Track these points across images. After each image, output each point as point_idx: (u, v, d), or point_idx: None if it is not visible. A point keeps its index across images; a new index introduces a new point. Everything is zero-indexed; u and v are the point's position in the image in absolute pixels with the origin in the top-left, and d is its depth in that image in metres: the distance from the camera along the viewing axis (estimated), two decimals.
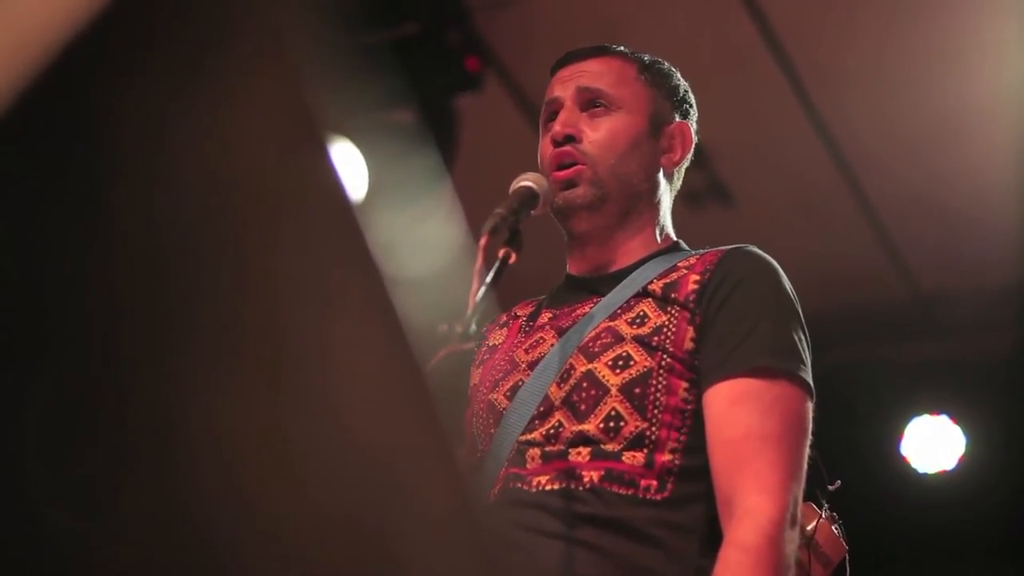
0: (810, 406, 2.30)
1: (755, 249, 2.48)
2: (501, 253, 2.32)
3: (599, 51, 2.63)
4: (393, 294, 0.72)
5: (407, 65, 5.39)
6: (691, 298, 2.37)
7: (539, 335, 2.50)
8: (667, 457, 2.29)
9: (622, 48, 2.65)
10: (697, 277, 2.40)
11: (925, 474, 6.46)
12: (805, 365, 2.33)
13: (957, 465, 6.43)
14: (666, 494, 2.28)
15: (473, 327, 2.11)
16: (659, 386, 2.31)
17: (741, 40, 5.63)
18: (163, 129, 0.73)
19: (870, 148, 5.99)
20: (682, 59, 5.66)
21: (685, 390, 2.32)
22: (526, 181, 2.46)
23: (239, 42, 0.76)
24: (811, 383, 2.32)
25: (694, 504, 2.28)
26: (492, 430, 2.42)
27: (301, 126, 0.78)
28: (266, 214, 0.75)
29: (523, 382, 2.41)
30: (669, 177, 2.61)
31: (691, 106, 2.67)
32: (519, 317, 2.63)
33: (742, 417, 2.25)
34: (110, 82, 0.72)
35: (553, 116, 2.59)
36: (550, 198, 2.48)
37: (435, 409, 0.75)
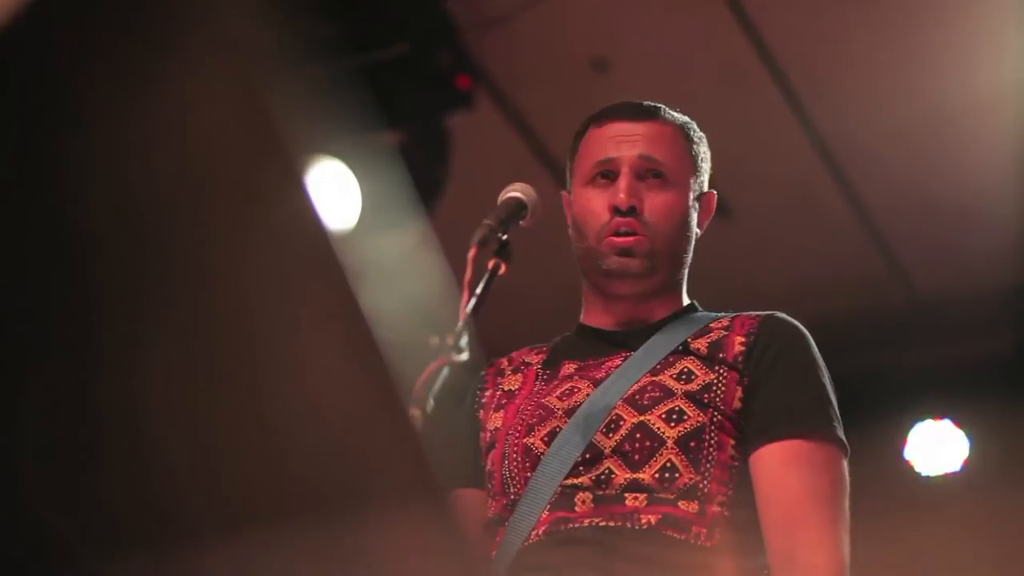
0: (847, 464, 2.51)
1: (788, 316, 2.64)
2: (491, 264, 2.33)
3: (652, 114, 2.67)
4: (355, 286, 0.72)
5: (397, 85, 5.39)
6: (739, 359, 2.52)
7: (570, 384, 2.59)
8: (716, 508, 2.44)
9: (670, 113, 2.69)
10: (743, 339, 2.55)
11: (929, 477, 6.46)
12: (841, 425, 2.52)
13: (962, 468, 6.43)
14: (715, 542, 2.42)
15: (464, 339, 2.11)
16: (712, 441, 2.47)
17: (733, 49, 5.63)
18: (122, 125, 0.73)
19: (865, 153, 6.00)
20: (675, 71, 5.69)
21: (732, 447, 2.48)
22: (514, 192, 2.47)
23: (192, 49, 0.76)
24: (846, 444, 2.51)
25: (735, 552, 2.45)
26: (528, 474, 2.50)
27: (260, 128, 0.78)
28: (231, 208, 0.75)
29: (560, 428, 2.51)
30: (696, 241, 2.70)
31: (709, 160, 2.75)
32: (531, 364, 2.70)
33: (796, 477, 2.44)
34: (68, 74, 0.72)
35: (607, 175, 2.61)
36: (538, 209, 2.48)
37: (396, 389, 0.76)
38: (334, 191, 5.23)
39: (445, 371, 2.07)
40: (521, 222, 2.45)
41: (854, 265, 6.41)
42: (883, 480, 6.32)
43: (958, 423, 6.46)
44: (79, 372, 0.75)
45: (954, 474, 6.45)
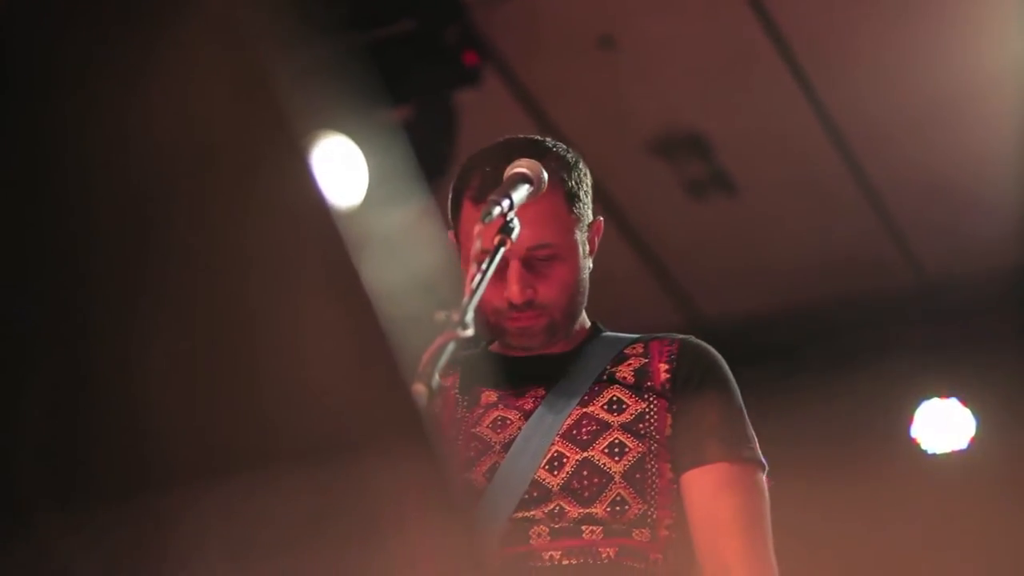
0: (764, 479, 2.65)
1: (700, 342, 2.72)
2: (496, 240, 2.32)
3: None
4: (353, 256, 0.72)
5: (405, 62, 5.39)
6: (667, 387, 2.62)
7: (499, 414, 2.63)
8: (665, 532, 2.55)
9: (540, 163, 2.51)
10: (666, 366, 2.64)
11: (935, 455, 6.46)
12: (756, 445, 2.65)
13: (969, 446, 6.44)
14: (670, 564, 2.54)
15: (470, 315, 2.11)
16: (652, 470, 2.56)
17: (741, 26, 5.62)
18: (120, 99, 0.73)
19: (873, 131, 5.98)
20: (683, 50, 5.68)
21: (669, 471, 2.58)
22: (520, 168, 2.46)
23: (193, 28, 0.76)
24: (764, 463, 2.64)
25: (688, 570, 2.58)
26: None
27: (262, 104, 0.78)
28: (231, 181, 0.75)
29: (499, 464, 2.56)
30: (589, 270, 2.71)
31: (591, 186, 2.71)
32: (444, 388, 2.63)
33: (725, 503, 2.58)
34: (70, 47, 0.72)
35: (488, 257, 2.41)
36: (544, 185, 2.47)
37: (400, 368, 0.77)
38: (341, 167, 5.24)
39: (451, 346, 2.06)
40: (528, 197, 2.44)
41: (861, 244, 6.40)
42: (890, 458, 6.33)
43: (964, 401, 6.46)
44: (81, 335, 0.75)
45: (961, 452, 6.46)
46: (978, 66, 5.59)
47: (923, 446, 6.48)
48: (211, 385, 0.81)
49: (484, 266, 2.24)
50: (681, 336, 2.72)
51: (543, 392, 2.64)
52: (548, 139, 2.71)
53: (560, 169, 2.62)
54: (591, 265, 2.70)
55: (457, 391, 2.70)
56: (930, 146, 5.96)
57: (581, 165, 2.68)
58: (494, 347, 2.74)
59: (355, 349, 0.80)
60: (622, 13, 5.69)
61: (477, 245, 2.25)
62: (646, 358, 2.66)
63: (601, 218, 2.73)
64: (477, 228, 2.25)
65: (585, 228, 2.67)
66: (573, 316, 2.67)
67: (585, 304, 2.71)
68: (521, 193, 2.40)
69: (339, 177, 5.22)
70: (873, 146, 6.04)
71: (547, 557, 2.48)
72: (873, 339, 6.40)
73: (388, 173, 5.30)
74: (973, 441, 6.46)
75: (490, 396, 2.67)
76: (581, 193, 2.65)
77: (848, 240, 6.38)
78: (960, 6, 5.51)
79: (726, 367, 2.69)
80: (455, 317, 2.08)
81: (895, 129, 5.94)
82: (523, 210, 2.45)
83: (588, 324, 2.75)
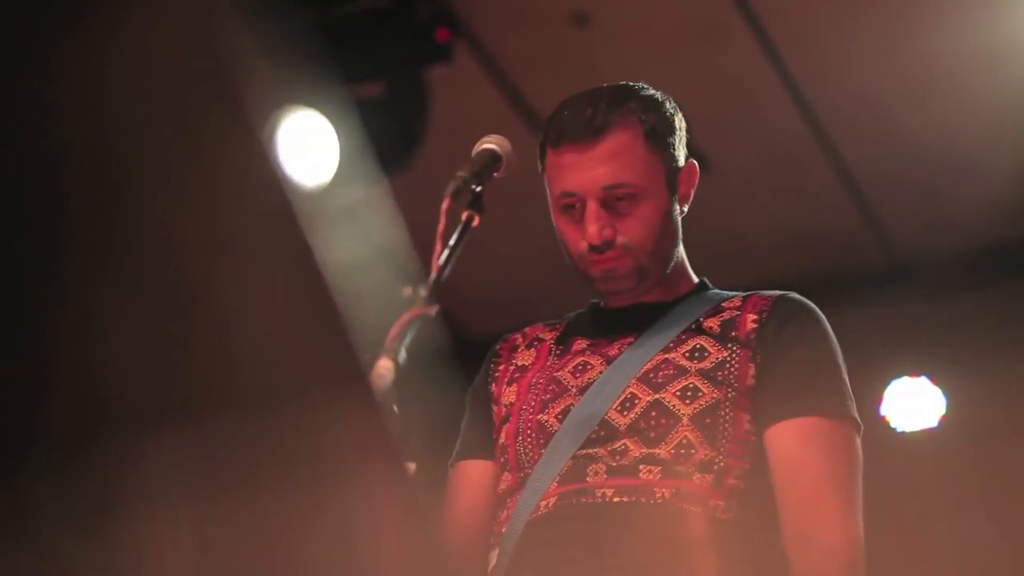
0: (860, 441, 2.54)
1: (801, 297, 2.63)
2: (464, 216, 2.32)
3: (605, 127, 2.55)
4: (311, 231, 0.72)
5: (377, 37, 5.38)
6: (752, 337, 2.54)
7: (582, 359, 2.62)
8: (732, 481, 2.46)
9: (624, 110, 2.58)
10: (755, 317, 2.56)
11: (905, 433, 6.48)
12: (854, 404, 2.54)
13: (939, 424, 6.46)
14: (732, 514, 2.44)
15: (434, 291, 2.11)
16: (727, 418, 2.48)
17: (714, 5, 5.62)
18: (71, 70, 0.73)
19: (845, 111, 5.99)
20: (656, 26, 5.68)
21: (748, 422, 2.49)
22: (489, 144, 2.45)
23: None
24: (859, 421, 2.54)
25: (753, 525, 2.46)
26: (541, 451, 2.52)
27: (215, 79, 0.78)
28: (181, 155, 0.75)
29: (574, 406, 2.53)
30: (683, 215, 2.68)
31: (685, 130, 2.68)
32: (543, 340, 2.73)
33: (812, 457, 2.46)
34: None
35: (574, 207, 2.56)
36: (513, 161, 2.47)
37: (349, 339, 0.77)
38: (312, 142, 5.22)
39: (417, 323, 2.06)
40: (495, 174, 2.44)
41: (833, 221, 6.41)
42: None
43: (935, 380, 6.48)
44: (45, 287, 0.76)
45: (931, 430, 6.47)
46: (951, 48, 5.60)
47: (893, 424, 6.50)
48: (168, 338, 0.81)
49: (451, 242, 2.24)
50: (783, 292, 2.64)
51: (632, 340, 2.61)
52: (639, 83, 2.67)
53: (640, 109, 2.59)
54: (684, 210, 2.66)
55: (553, 343, 2.70)
56: (902, 124, 5.97)
57: (668, 105, 2.64)
58: (598, 299, 2.72)
59: (308, 308, 0.80)
60: None
61: (443, 222, 2.24)
62: (739, 311, 2.60)
63: (695, 161, 2.67)
64: (444, 204, 2.25)
65: (675, 165, 2.62)
66: (662, 259, 2.61)
67: (678, 250, 2.66)
68: (489, 169, 2.40)
69: (310, 152, 5.21)
70: (845, 123, 6.05)
71: (600, 494, 2.44)
72: (843, 317, 6.39)
73: (359, 148, 5.28)
74: (943, 420, 6.48)
75: (581, 344, 2.66)
76: (666, 132, 2.61)
77: (819, 218, 6.39)
78: None
79: (824, 322, 2.59)
80: (422, 292, 2.09)
81: (867, 106, 5.95)
82: (596, 149, 2.52)
83: (696, 280, 2.71)
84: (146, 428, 0.82)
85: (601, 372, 2.57)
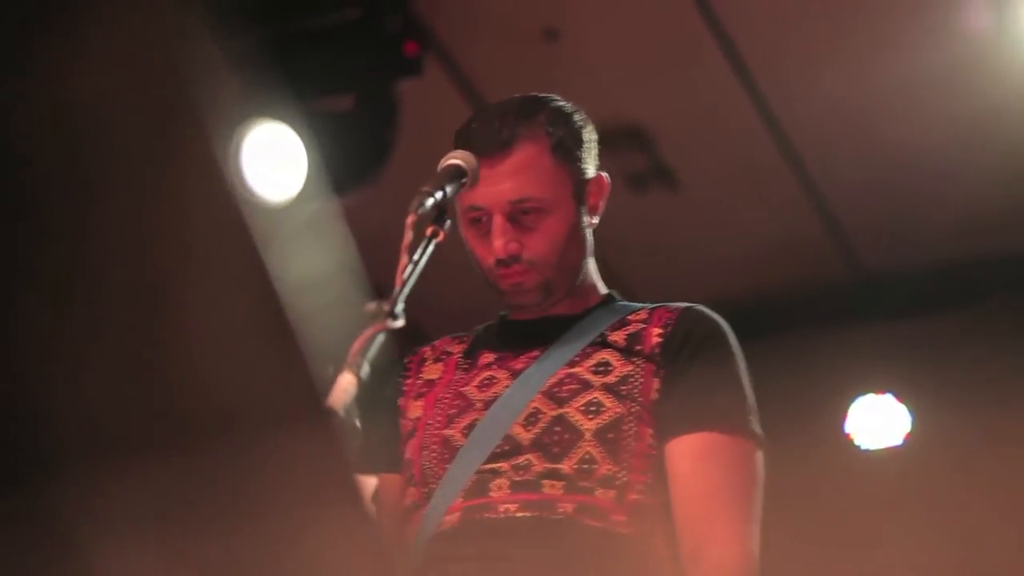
0: (762, 457, 2.53)
1: (707, 310, 2.63)
2: (428, 231, 2.33)
3: (511, 141, 2.56)
4: (265, 247, 0.72)
5: (346, 50, 5.37)
6: (656, 351, 2.54)
7: (488, 374, 2.62)
8: (635, 496, 2.47)
9: (530, 120, 2.59)
10: (660, 331, 2.57)
11: (869, 451, 6.49)
12: (757, 419, 2.54)
13: (904, 442, 6.46)
14: (633, 529, 2.45)
15: (401, 305, 2.10)
16: (630, 432, 2.48)
17: (684, 22, 5.63)
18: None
19: (813, 128, 6.01)
20: (626, 43, 5.68)
21: (651, 436, 2.50)
22: (454, 159, 2.45)
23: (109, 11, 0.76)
24: (762, 436, 2.53)
25: (655, 540, 2.47)
26: (447, 465, 2.52)
27: (174, 92, 0.78)
28: (137, 168, 0.74)
29: (479, 420, 2.53)
30: (593, 227, 2.68)
31: (595, 142, 2.68)
32: (451, 354, 2.72)
33: (709, 472, 2.48)
34: None
35: (480, 220, 2.58)
36: (478, 176, 2.47)
37: (304, 362, 0.77)
38: (280, 155, 5.21)
39: (380, 337, 2.06)
40: (460, 189, 2.44)
41: (799, 239, 6.43)
42: (824, 455, 6.35)
43: (900, 397, 6.48)
44: None
45: (896, 448, 6.48)
46: (919, 62, 5.62)
47: (857, 442, 6.51)
48: (116, 366, 0.80)
49: (416, 256, 2.25)
50: (688, 304, 2.64)
51: (538, 353, 2.60)
52: (550, 95, 2.67)
53: (548, 122, 2.60)
54: (595, 221, 2.66)
55: (461, 356, 2.70)
56: (870, 141, 5.99)
57: (577, 118, 2.64)
58: (507, 312, 2.73)
59: (262, 332, 0.80)
60: (566, 6, 5.69)
61: (408, 236, 2.24)
62: (645, 324, 2.60)
63: (605, 174, 2.68)
64: (409, 219, 2.25)
65: (582, 178, 2.62)
66: (569, 273, 2.62)
67: (587, 262, 2.67)
68: (455, 185, 2.41)
69: (277, 165, 5.19)
70: (813, 140, 6.06)
71: (503, 509, 2.45)
72: (808, 334, 6.42)
73: (328, 161, 5.28)
74: (908, 438, 6.49)
75: (488, 358, 2.66)
76: (573, 145, 2.61)
77: (786, 234, 6.40)
78: (903, 3, 5.53)
79: (729, 336, 2.60)
80: (386, 307, 2.08)
81: (835, 123, 5.97)
82: (503, 163, 2.53)
83: (604, 292, 2.71)
84: (90, 463, 0.82)
85: (507, 386, 2.57)
